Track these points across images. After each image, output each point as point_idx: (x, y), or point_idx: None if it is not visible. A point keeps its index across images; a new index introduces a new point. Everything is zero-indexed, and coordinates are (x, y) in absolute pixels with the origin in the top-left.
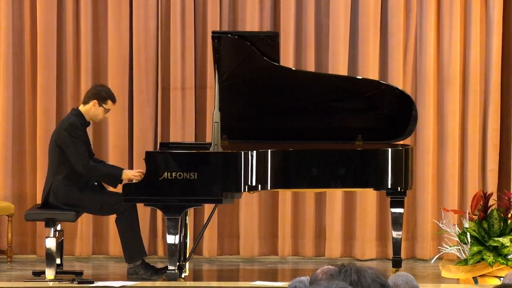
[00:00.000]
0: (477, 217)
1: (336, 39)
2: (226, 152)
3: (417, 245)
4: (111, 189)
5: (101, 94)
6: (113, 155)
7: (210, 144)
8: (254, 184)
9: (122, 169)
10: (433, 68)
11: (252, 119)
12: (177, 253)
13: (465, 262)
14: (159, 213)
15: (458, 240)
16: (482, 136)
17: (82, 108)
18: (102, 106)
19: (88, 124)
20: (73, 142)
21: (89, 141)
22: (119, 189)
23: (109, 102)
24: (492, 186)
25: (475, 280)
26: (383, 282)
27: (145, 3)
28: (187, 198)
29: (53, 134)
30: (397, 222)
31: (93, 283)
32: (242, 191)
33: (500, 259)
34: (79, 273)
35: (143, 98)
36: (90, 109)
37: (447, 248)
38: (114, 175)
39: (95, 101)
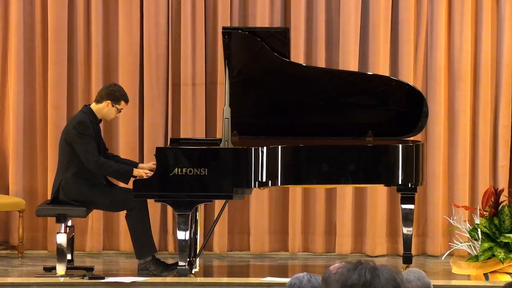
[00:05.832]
0: (488, 213)
1: (346, 35)
2: (237, 148)
3: (428, 241)
4: (121, 185)
5: (115, 94)
6: (124, 151)
7: (220, 140)
8: (264, 180)
9: (136, 164)
10: (444, 64)
11: (263, 115)
12: (187, 249)
13: (476, 258)
14: (170, 209)
15: (469, 236)
16: (493, 132)
17: (94, 106)
18: (115, 107)
19: (99, 121)
20: (82, 139)
21: (101, 137)
22: (129, 185)
23: (123, 102)
24: (503, 182)
25: (486, 276)
26: (397, 284)
27: None
28: (198, 194)
29: (62, 132)
30: (407, 218)
31: (103, 278)
32: (253, 187)
33: (511, 256)
34: (90, 269)
35: (153, 94)
36: (103, 108)
37: (458, 245)
38: (125, 172)
39: (109, 101)
